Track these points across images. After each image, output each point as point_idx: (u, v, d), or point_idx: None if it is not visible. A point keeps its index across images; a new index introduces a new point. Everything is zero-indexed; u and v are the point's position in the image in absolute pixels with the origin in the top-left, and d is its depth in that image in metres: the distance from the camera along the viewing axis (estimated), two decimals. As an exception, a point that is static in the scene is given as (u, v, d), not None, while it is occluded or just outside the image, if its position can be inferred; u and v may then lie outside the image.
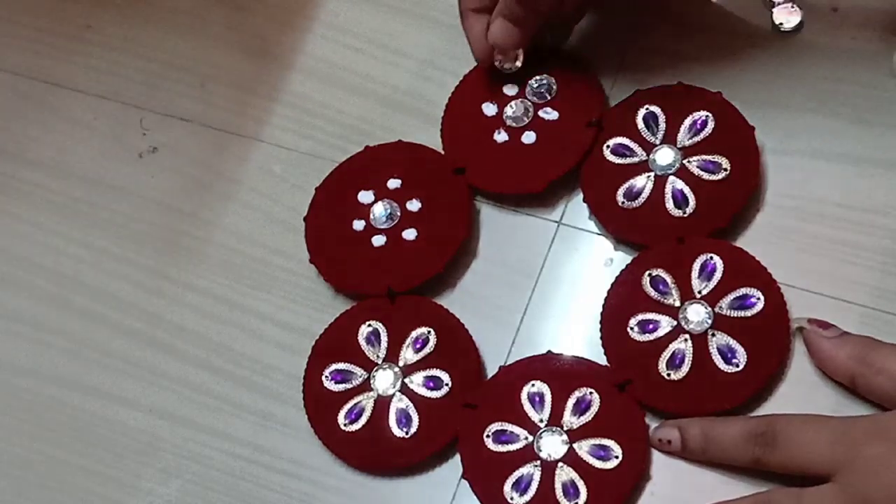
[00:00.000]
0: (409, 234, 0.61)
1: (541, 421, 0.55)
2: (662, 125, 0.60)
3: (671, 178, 0.59)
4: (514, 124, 0.62)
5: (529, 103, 0.62)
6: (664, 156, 0.59)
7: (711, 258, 0.56)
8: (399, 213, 0.61)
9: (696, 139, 0.59)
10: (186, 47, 0.70)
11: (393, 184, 0.62)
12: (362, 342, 0.59)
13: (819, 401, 0.54)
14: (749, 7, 0.63)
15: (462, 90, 0.64)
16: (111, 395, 0.62)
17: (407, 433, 0.56)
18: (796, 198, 0.59)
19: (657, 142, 0.60)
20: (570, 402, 0.55)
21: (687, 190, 0.58)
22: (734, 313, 0.55)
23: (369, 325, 0.59)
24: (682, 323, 0.55)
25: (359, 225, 0.62)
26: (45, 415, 0.62)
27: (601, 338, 0.57)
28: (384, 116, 0.66)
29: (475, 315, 0.59)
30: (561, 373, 0.56)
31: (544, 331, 0.59)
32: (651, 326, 0.56)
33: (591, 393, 0.55)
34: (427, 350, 0.58)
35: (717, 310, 0.55)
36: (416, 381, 0.57)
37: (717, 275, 0.56)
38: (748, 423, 0.52)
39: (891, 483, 0.48)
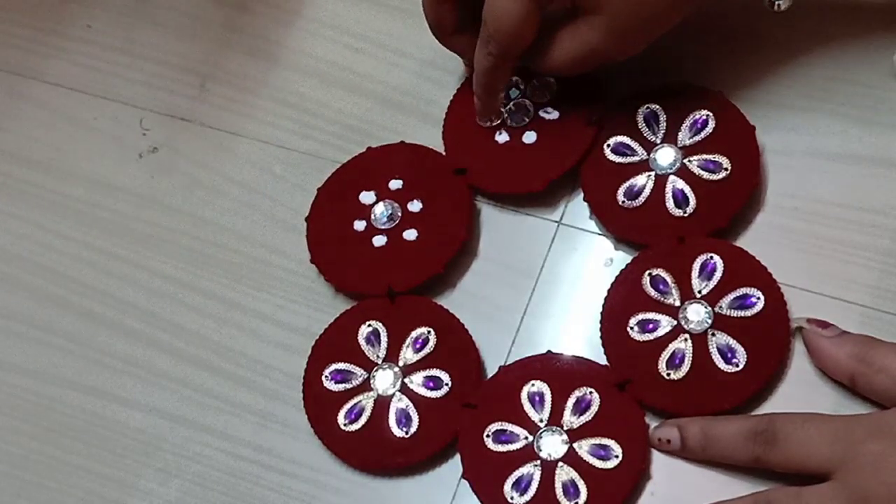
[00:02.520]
0: (410, 234, 0.61)
1: (541, 421, 0.55)
2: (663, 124, 0.60)
3: (671, 177, 0.59)
4: (514, 124, 0.62)
5: (530, 103, 0.62)
6: (665, 155, 0.59)
7: (711, 258, 0.56)
8: (400, 214, 0.61)
9: (697, 138, 0.59)
10: (186, 47, 0.70)
11: (394, 184, 0.62)
12: (362, 342, 0.59)
13: (819, 400, 0.54)
14: (749, 6, 0.63)
15: (463, 90, 0.64)
16: (111, 395, 0.62)
17: (407, 433, 0.56)
18: (796, 198, 0.59)
19: (658, 141, 0.60)
20: (570, 401, 0.55)
21: (687, 189, 0.58)
22: (734, 313, 0.55)
23: (369, 325, 0.59)
24: (682, 322, 0.55)
25: (360, 225, 0.62)
26: (45, 415, 0.62)
27: (601, 337, 0.57)
28: (385, 116, 0.66)
29: (475, 315, 0.59)
30: (561, 372, 0.56)
31: (544, 331, 0.59)
32: (651, 326, 0.56)
33: (590, 392, 0.55)
34: (427, 350, 0.58)
35: (717, 309, 0.55)
36: (416, 381, 0.57)
37: (717, 274, 0.56)
38: (748, 422, 0.52)
39: (890, 480, 0.48)
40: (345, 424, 0.57)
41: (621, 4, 0.55)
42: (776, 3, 0.59)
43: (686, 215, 0.58)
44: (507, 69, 0.59)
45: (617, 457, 0.54)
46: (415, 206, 0.61)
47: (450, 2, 0.59)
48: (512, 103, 0.62)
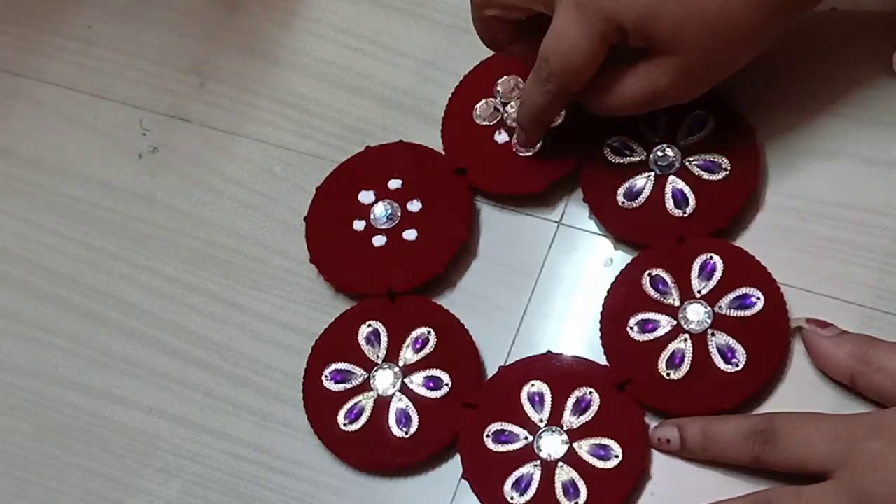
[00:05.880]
0: (410, 234, 0.61)
1: (541, 421, 0.55)
2: (663, 125, 0.60)
3: (671, 177, 0.59)
4: (514, 124, 0.62)
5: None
6: (664, 155, 0.59)
7: (711, 258, 0.56)
8: (400, 214, 0.61)
9: (697, 138, 0.59)
10: (186, 47, 0.70)
11: (394, 184, 0.62)
12: (362, 342, 0.59)
13: (819, 400, 0.54)
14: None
15: (462, 90, 0.64)
16: (111, 395, 0.62)
17: (407, 433, 0.56)
18: (796, 198, 0.59)
19: (657, 141, 0.60)
20: (570, 401, 0.55)
21: (687, 189, 0.58)
22: (734, 313, 0.55)
23: (369, 325, 0.59)
24: (682, 322, 0.55)
25: (359, 225, 0.62)
26: (45, 414, 0.62)
27: (601, 337, 0.57)
28: (384, 116, 0.66)
29: (475, 315, 0.59)
30: (561, 373, 0.56)
31: (544, 331, 0.59)
32: (651, 326, 0.56)
33: (590, 393, 0.55)
34: (427, 350, 0.58)
35: (716, 309, 0.55)
36: (416, 381, 0.57)
37: (717, 274, 0.56)
38: (747, 421, 0.52)
39: (890, 479, 0.48)
40: (345, 424, 0.57)
41: (697, 47, 0.52)
42: None
43: (686, 215, 0.58)
44: (561, 105, 0.57)
45: (617, 457, 0.54)
46: (414, 205, 0.61)
47: (499, 19, 0.57)
48: (512, 102, 0.62)
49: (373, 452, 0.57)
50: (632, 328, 0.56)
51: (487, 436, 0.56)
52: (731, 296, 0.55)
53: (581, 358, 0.57)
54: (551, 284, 0.60)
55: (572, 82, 0.55)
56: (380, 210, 0.62)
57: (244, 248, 0.64)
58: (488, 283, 0.60)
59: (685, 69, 0.54)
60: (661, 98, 0.55)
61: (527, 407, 0.56)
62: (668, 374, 0.55)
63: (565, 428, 0.55)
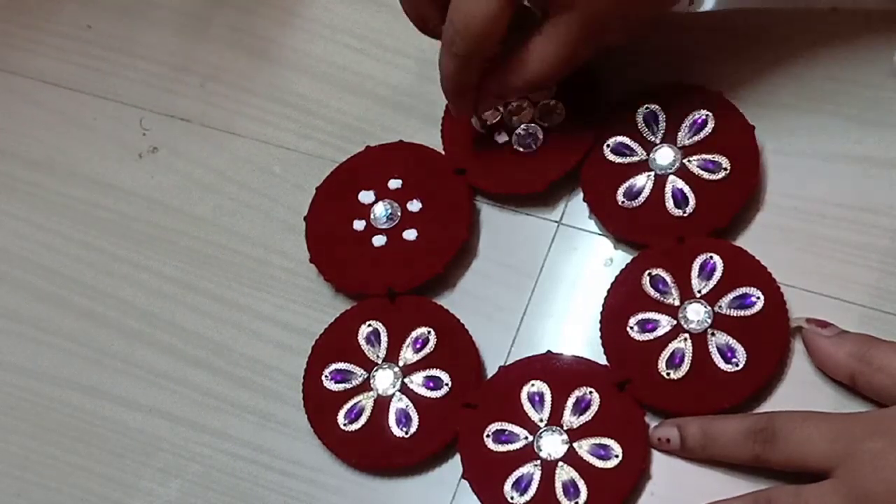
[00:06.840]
0: (410, 234, 0.61)
1: (541, 420, 0.55)
2: (662, 124, 0.60)
3: (671, 177, 0.59)
4: (516, 125, 0.62)
5: (529, 103, 0.62)
6: (664, 155, 0.59)
7: (711, 258, 0.56)
8: (400, 214, 0.61)
9: (696, 138, 0.59)
10: (186, 47, 0.70)
11: (394, 184, 0.62)
12: (362, 342, 0.59)
13: (818, 400, 0.54)
14: (748, 7, 0.63)
15: (462, 90, 0.64)
16: (111, 395, 0.62)
17: (407, 433, 0.56)
18: (796, 198, 0.59)
19: (657, 141, 0.60)
20: (570, 401, 0.55)
21: (687, 189, 0.58)
22: (734, 312, 0.55)
23: (369, 325, 0.59)
24: (682, 322, 0.55)
25: (359, 225, 0.62)
26: (45, 414, 0.62)
27: (601, 337, 0.57)
28: (384, 116, 0.66)
29: (475, 315, 0.59)
30: (561, 372, 0.56)
31: (544, 331, 0.59)
32: (651, 326, 0.56)
33: (590, 392, 0.55)
34: (427, 350, 0.58)
35: (716, 309, 0.55)
36: (416, 381, 0.57)
37: (717, 274, 0.56)
38: (747, 420, 0.52)
39: (890, 478, 0.48)
40: (344, 424, 0.57)
41: None
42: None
43: (686, 215, 0.58)
44: (474, 70, 0.56)
45: (617, 456, 0.54)
46: (414, 205, 0.61)
47: None
48: (512, 103, 0.62)
49: (373, 452, 0.57)
50: (632, 328, 0.56)
51: (487, 436, 0.56)
52: (731, 295, 0.55)
53: (581, 358, 0.57)
54: (551, 284, 0.60)
55: (478, 44, 0.54)
56: (380, 210, 0.62)
57: (244, 248, 0.64)
58: (488, 283, 0.60)
59: (586, 20, 0.54)
60: (573, 55, 0.55)
61: (527, 407, 0.56)
62: (668, 374, 0.55)
63: (565, 428, 0.55)
